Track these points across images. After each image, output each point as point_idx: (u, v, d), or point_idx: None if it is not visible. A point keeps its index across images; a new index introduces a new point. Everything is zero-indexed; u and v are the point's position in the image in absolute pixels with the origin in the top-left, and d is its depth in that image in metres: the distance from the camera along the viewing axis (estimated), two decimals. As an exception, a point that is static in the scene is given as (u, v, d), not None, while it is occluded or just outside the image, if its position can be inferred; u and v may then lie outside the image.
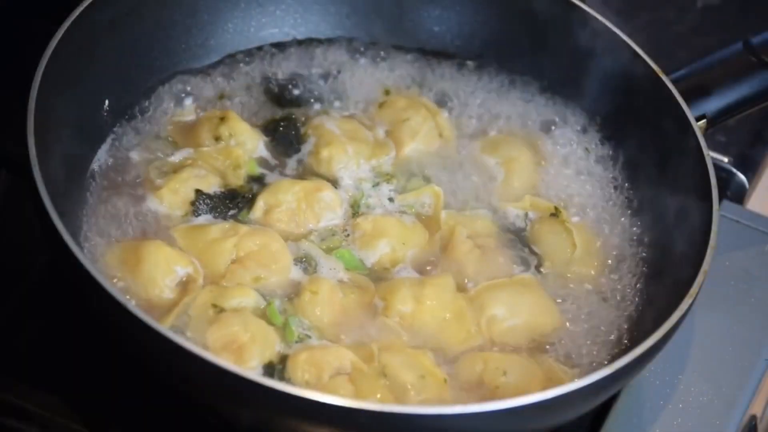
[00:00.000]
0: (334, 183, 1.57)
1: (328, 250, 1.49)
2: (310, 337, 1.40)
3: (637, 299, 1.51)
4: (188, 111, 1.64)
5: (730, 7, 2.07)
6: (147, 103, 1.62)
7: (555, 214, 1.55)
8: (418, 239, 1.52)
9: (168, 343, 1.23)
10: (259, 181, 1.57)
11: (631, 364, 1.30)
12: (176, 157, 1.57)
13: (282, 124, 1.64)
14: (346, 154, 1.59)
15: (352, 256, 1.49)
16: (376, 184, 1.58)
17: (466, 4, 1.68)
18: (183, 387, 1.33)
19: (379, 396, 1.33)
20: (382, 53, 1.73)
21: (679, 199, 1.52)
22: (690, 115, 1.53)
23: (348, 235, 1.52)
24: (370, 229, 1.51)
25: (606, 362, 1.43)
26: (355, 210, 1.55)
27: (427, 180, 1.60)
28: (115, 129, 1.58)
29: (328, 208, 1.53)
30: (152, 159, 1.57)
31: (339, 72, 1.72)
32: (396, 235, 1.51)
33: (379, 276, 1.49)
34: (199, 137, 1.59)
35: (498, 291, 1.47)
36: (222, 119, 1.60)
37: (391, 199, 1.57)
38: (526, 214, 1.57)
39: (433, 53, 1.65)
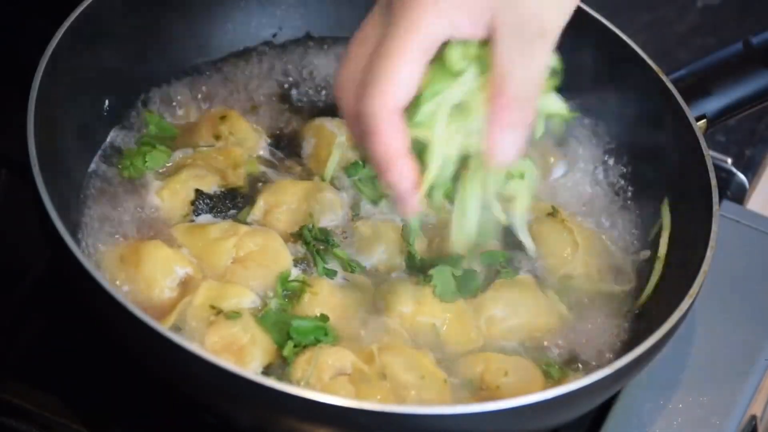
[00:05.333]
0: (335, 184, 1.57)
1: (326, 251, 1.49)
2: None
3: (636, 299, 1.50)
4: (188, 110, 1.63)
5: (730, 7, 2.07)
6: (147, 103, 1.62)
7: (552, 213, 1.55)
8: (416, 247, 1.51)
9: (168, 343, 1.23)
10: (259, 180, 1.57)
11: (631, 364, 1.30)
12: (176, 157, 1.57)
13: (282, 123, 1.64)
14: (346, 155, 1.59)
15: (349, 258, 1.49)
16: (375, 186, 1.58)
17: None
18: (183, 387, 1.33)
19: (379, 396, 1.33)
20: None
21: (679, 199, 1.52)
22: (690, 115, 1.53)
23: (346, 237, 1.51)
24: (369, 234, 1.51)
25: (606, 362, 1.43)
26: (356, 212, 1.54)
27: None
28: (115, 129, 1.58)
29: (328, 209, 1.53)
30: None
31: (340, 72, 1.72)
32: (394, 241, 1.50)
33: (377, 278, 1.48)
34: (200, 136, 1.59)
35: (497, 291, 1.47)
36: (222, 118, 1.60)
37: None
38: (524, 214, 1.57)
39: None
